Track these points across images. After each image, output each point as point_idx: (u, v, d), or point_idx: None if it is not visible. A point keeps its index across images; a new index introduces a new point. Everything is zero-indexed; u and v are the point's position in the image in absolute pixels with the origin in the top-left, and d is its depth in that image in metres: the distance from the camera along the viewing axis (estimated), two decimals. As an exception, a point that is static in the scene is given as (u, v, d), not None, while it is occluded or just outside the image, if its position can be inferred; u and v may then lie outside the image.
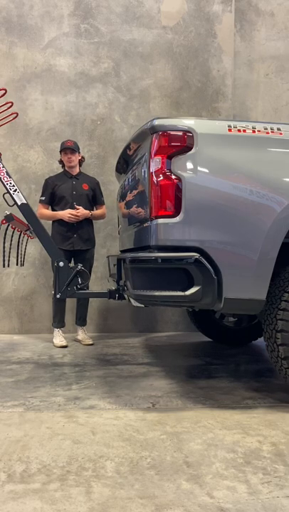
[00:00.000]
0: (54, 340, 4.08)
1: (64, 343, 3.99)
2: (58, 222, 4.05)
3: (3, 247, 3.42)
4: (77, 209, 3.96)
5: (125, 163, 3.27)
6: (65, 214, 3.93)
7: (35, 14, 4.78)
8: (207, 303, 2.32)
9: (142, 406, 2.45)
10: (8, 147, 4.74)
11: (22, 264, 3.73)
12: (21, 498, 1.51)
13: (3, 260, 3.50)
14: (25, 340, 4.37)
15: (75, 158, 4.11)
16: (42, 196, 4.10)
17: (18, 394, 2.65)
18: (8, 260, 3.51)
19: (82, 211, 3.97)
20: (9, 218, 3.14)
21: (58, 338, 4.07)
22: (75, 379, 2.99)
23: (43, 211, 4.06)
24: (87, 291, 3.29)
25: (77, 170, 4.19)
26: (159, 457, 1.83)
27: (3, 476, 1.66)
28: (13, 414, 2.31)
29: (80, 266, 3.07)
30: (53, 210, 4.10)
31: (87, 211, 4.02)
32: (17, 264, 3.73)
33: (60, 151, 4.14)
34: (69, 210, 3.94)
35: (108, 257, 3.83)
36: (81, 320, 4.27)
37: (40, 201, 4.09)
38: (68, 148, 4.04)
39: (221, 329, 4.16)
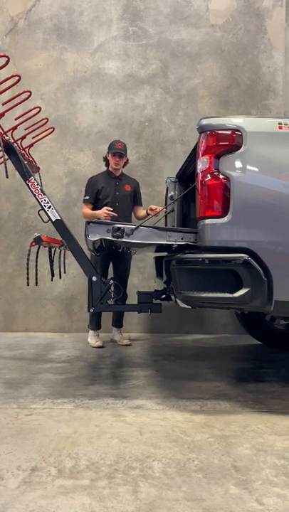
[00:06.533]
0: (90, 340, 4.13)
1: (100, 343, 4.05)
2: None
3: (36, 264, 3.47)
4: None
5: None
6: (102, 212, 3.76)
7: (85, 20, 4.88)
8: (256, 305, 2.27)
9: (190, 408, 2.44)
10: (59, 150, 4.88)
11: (60, 276, 3.82)
12: (70, 494, 1.55)
13: (52, 273, 3.59)
14: (74, 338, 4.47)
15: (122, 162, 4.09)
16: (86, 196, 4.04)
17: (68, 391, 2.71)
18: (52, 272, 3.59)
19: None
20: (38, 240, 3.12)
21: (94, 338, 4.12)
22: (122, 378, 3.02)
23: (85, 211, 4.00)
24: (119, 305, 3.34)
25: (120, 171, 4.15)
26: (207, 460, 1.81)
27: (53, 471, 1.71)
28: (63, 411, 2.37)
29: (112, 280, 3.11)
30: (94, 209, 4.03)
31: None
32: (60, 277, 3.83)
33: (109, 152, 4.06)
34: (105, 208, 3.77)
35: (155, 257, 3.84)
36: (118, 322, 4.32)
37: (85, 201, 4.04)
38: (118, 153, 4.00)
39: (271, 332, 4.06)
